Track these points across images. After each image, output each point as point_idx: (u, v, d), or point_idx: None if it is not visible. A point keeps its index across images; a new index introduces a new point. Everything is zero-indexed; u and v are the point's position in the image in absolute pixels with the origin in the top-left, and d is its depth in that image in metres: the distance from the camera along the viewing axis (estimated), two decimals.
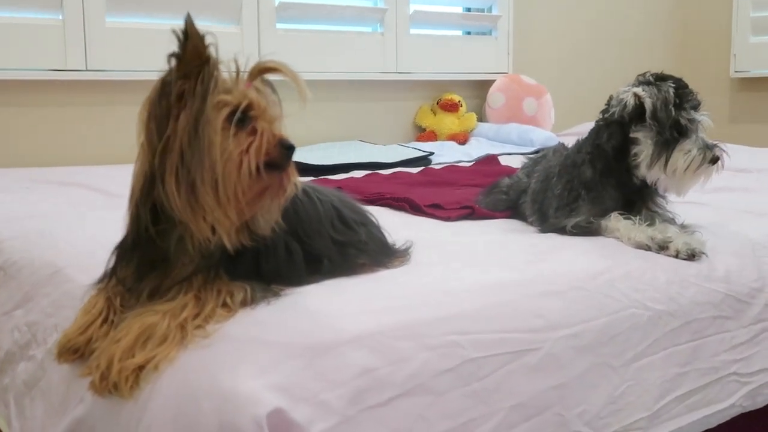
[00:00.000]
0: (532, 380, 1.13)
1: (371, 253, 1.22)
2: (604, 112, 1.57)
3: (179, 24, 1.00)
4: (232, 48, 2.69)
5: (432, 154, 2.92)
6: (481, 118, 3.55)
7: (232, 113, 0.99)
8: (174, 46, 0.99)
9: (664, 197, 1.60)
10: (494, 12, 3.58)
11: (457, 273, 1.25)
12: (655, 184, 1.53)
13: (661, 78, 1.52)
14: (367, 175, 2.50)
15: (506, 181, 1.91)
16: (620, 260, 1.36)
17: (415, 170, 2.62)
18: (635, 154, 1.52)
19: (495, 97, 3.50)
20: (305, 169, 2.46)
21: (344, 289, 1.13)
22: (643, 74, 1.54)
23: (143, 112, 1.00)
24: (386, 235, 1.35)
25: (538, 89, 3.50)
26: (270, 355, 0.94)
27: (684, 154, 1.47)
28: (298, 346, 0.96)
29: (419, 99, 3.50)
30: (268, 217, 1.04)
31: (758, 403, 1.43)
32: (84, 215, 1.74)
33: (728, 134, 4.15)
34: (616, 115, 1.53)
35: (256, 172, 0.99)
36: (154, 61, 1.03)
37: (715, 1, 4.23)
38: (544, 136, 3.19)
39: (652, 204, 1.57)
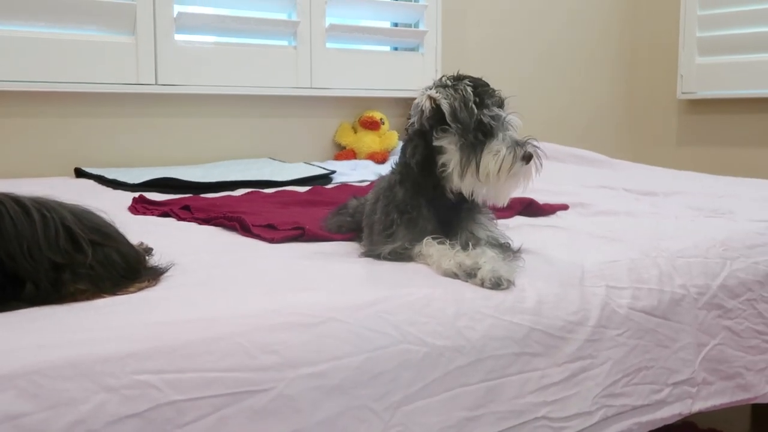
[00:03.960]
0: (258, 426, 0.97)
1: (95, 278, 1.08)
2: (407, 125, 1.43)
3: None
4: (126, 60, 2.65)
5: (333, 172, 2.79)
6: None
7: None
8: None
9: (490, 215, 1.45)
10: (421, 27, 3.45)
11: (197, 302, 1.10)
12: (472, 196, 1.38)
13: (457, 78, 1.38)
14: (246, 193, 2.37)
15: (353, 202, 1.77)
16: (405, 290, 1.21)
17: (303, 189, 2.49)
18: (443, 165, 1.37)
19: None
20: (183, 186, 2.37)
21: (19, 320, 0.98)
22: (440, 78, 1.40)
23: None
24: (149, 257, 1.20)
25: None
26: None
27: (493, 155, 1.32)
28: None
29: (340, 116, 3.37)
30: None
31: None
32: None
33: (676, 157, 4.03)
34: (416, 125, 1.38)
35: None
36: None
37: (662, 21, 4.10)
38: None
39: (473, 224, 1.42)
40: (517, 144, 1.33)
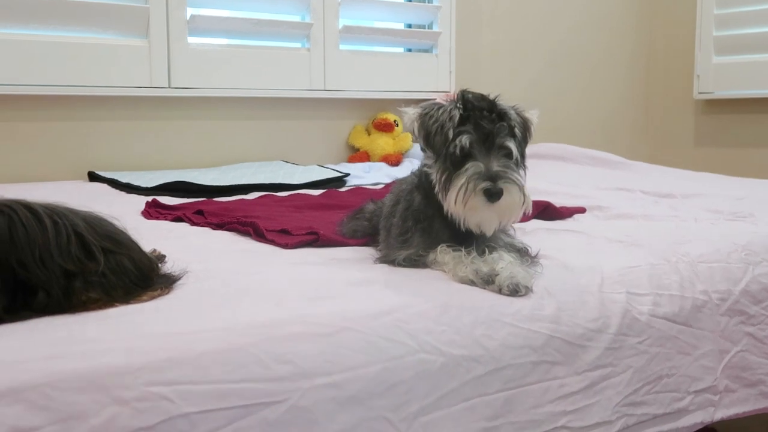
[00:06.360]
0: None
1: (107, 286, 1.06)
2: None
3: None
4: (139, 63, 2.65)
5: (347, 175, 2.77)
6: None
7: None
8: None
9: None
10: (435, 29, 3.43)
11: (210, 311, 1.09)
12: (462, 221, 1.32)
13: (460, 95, 1.33)
14: (260, 197, 2.36)
15: (370, 206, 1.75)
16: (422, 298, 1.18)
17: (317, 192, 2.47)
18: (435, 185, 1.32)
19: None
20: (197, 190, 2.35)
21: (30, 330, 0.96)
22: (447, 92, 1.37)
23: None
24: (162, 264, 1.19)
25: None
26: None
27: (455, 187, 1.26)
28: None
29: (354, 118, 3.35)
30: None
31: None
32: None
33: (693, 157, 3.98)
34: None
35: None
36: None
37: (678, 21, 4.06)
38: None
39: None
40: (482, 178, 1.24)
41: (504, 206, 1.26)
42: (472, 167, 1.26)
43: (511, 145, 1.29)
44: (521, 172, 1.32)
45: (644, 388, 1.32)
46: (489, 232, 1.32)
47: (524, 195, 1.27)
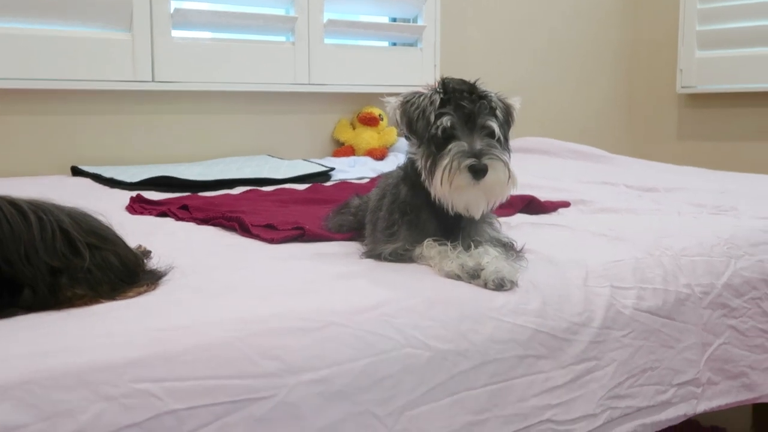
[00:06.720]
0: None
1: (93, 282, 1.06)
2: None
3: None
4: (123, 57, 2.62)
5: (332, 169, 2.77)
6: None
7: None
8: None
9: (490, 215, 1.43)
10: (420, 22, 3.43)
11: (196, 307, 1.08)
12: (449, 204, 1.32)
13: (441, 83, 1.34)
14: (245, 191, 2.35)
15: (356, 201, 1.75)
16: (408, 292, 1.19)
17: (302, 187, 2.47)
18: (420, 172, 1.33)
19: None
20: (181, 184, 2.35)
21: (16, 328, 0.96)
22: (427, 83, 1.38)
23: None
24: (147, 260, 1.18)
25: None
26: None
27: (440, 168, 1.26)
28: None
29: (338, 112, 3.35)
30: None
31: None
32: None
33: (676, 151, 4.01)
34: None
35: None
36: None
37: (661, 15, 4.08)
38: None
39: (474, 224, 1.38)
40: (466, 155, 1.25)
41: (490, 183, 1.27)
42: (455, 146, 1.26)
43: (493, 124, 1.30)
44: (506, 153, 1.33)
45: (628, 381, 1.34)
46: (477, 214, 1.32)
47: (509, 171, 1.28)
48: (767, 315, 1.58)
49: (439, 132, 1.27)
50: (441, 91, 1.31)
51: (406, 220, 1.39)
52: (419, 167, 1.32)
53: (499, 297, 1.23)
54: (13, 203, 1.05)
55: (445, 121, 1.27)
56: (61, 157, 2.67)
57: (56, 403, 0.85)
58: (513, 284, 1.26)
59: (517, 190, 1.35)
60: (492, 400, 1.17)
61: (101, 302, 1.06)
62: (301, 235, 1.61)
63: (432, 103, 1.30)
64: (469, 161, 1.24)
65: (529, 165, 2.69)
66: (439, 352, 1.13)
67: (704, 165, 3.08)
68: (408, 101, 1.34)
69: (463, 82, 1.34)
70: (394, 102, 1.36)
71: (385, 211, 1.44)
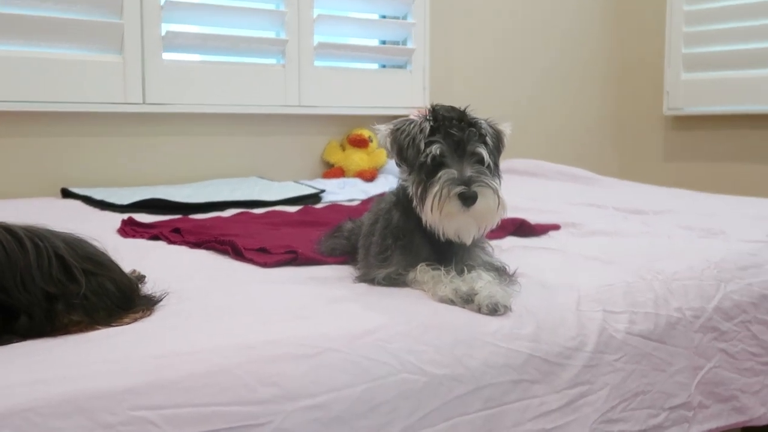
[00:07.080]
0: None
1: (89, 308, 1.06)
2: None
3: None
4: (114, 79, 2.62)
5: (323, 191, 2.78)
6: None
7: None
8: None
9: (483, 239, 1.44)
10: (409, 45, 3.45)
11: (193, 333, 1.09)
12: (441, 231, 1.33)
13: (432, 110, 1.36)
14: (236, 214, 2.35)
15: (348, 225, 1.76)
16: (403, 317, 1.19)
17: (293, 209, 2.47)
18: (412, 199, 1.34)
19: None
20: (172, 207, 2.34)
21: (13, 355, 0.96)
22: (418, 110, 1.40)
23: None
24: (142, 284, 1.18)
25: None
26: None
27: (431, 195, 1.28)
28: None
29: (328, 134, 3.36)
30: None
31: None
32: None
33: (662, 173, 4.04)
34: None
35: None
36: None
37: (648, 38, 4.12)
38: None
39: (467, 248, 1.39)
40: (456, 183, 1.26)
41: (480, 210, 1.28)
42: (445, 174, 1.28)
43: (483, 151, 1.31)
44: (496, 179, 1.34)
45: (621, 405, 1.34)
46: (468, 240, 1.33)
47: (499, 198, 1.29)
48: (757, 338, 1.60)
49: (429, 160, 1.29)
50: (431, 118, 1.33)
51: (399, 244, 1.40)
52: (411, 193, 1.33)
53: (493, 322, 1.24)
54: (8, 229, 1.05)
55: (435, 149, 1.29)
56: (51, 179, 2.66)
57: (55, 430, 0.85)
58: (507, 309, 1.26)
59: (507, 214, 1.36)
60: (487, 425, 1.18)
61: (97, 328, 1.06)
62: (294, 258, 1.61)
63: (422, 131, 1.32)
64: (459, 189, 1.26)
65: (517, 187, 2.70)
66: (434, 378, 1.13)
67: (691, 186, 3.11)
68: (398, 129, 1.36)
69: (452, 109, 1.35)
70: (384, 130, 1.38)
71: (378, 235, 1.45)
